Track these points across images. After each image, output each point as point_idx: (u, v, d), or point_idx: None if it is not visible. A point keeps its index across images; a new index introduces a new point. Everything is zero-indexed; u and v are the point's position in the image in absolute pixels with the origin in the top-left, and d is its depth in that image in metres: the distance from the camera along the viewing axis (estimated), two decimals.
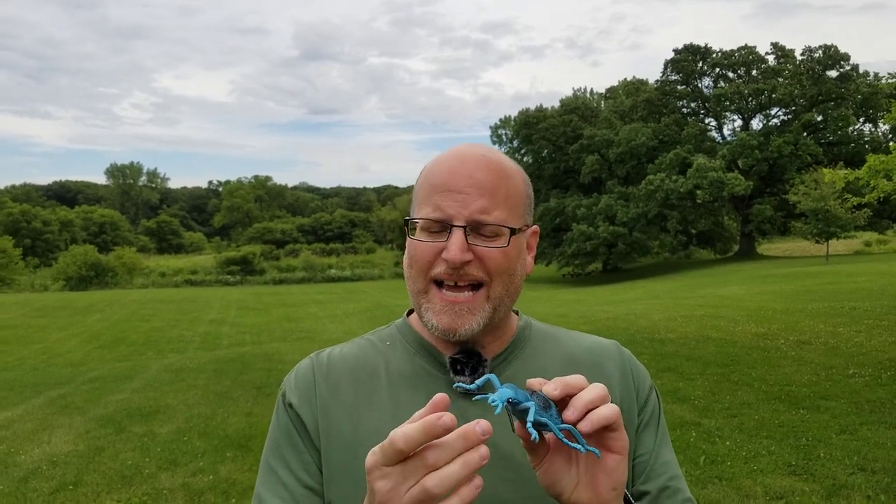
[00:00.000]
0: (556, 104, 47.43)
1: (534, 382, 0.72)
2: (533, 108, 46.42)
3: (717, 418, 5.65)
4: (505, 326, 0.96)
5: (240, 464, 5.09)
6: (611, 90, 50.47)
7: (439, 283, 0.88)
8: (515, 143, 47.09)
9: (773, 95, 37.89)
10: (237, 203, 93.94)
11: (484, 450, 0.61)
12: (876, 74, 37.24)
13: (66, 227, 69.85)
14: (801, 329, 9.51)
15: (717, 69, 41.04)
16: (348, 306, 24.80)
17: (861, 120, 37.80)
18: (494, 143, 51.62)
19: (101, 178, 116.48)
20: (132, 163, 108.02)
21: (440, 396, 0.64)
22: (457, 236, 0.85)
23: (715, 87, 40.65)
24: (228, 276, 46.46)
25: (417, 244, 0.89)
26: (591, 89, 56.88)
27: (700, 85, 42.05)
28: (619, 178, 39.94)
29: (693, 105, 42.55)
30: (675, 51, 41.58)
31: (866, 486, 4.07)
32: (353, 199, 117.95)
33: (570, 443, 0.68)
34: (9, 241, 45.17)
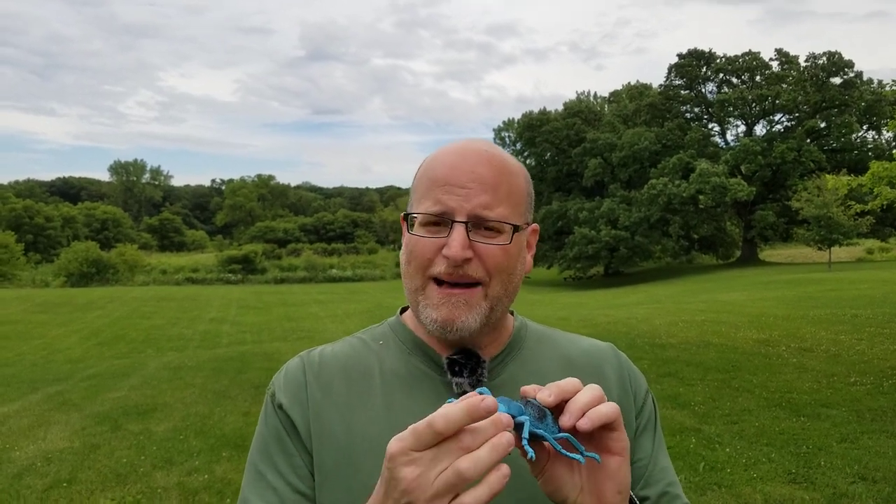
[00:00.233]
0: (560, 107, 47.49)
1: (528, 390, 0.70)
2: (536, 110, 46.58)
3: (717, 424, 5.62)
4: (502, 327, 0.94)
5: (235, 464, 5.06)
6: (614, 94, 50.54)
7: (439, 283, 0.86)
8: (518, 146, 47.05)
9: (777, 101, 37.92)
10: (240, 202, 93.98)
11: (509, 436, 0.60)
12: (880, 82, 37.26)
13: (69, 223, 69.96)
14: (802, 336, 9.46)
15: (721, 74, 41.14)
16: (349, 306, 24.80)
17: (864, 127, 37.86)
18: (497, 145, 51.51)
19: (104, 175, 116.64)
20: (136, 160, 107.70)
21: (474, 394, 0.63)
22: (458, 232, 0.83)
23: (718, 92, 40.76)
24: (230, 275, 46.42)
25: (417, 239, 0.87)
26: (595, 93, 57.13)
27: (704, 90, 42.14)
28: (622, 182, 39.95)
29: (696, 110, 42.65)
30: (679, 56, 41.63)
31: (867, 496, 4.03)
32: (356, 199, 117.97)
33: (568, 453, 0.67)
34: (11, 237, 45.30)
